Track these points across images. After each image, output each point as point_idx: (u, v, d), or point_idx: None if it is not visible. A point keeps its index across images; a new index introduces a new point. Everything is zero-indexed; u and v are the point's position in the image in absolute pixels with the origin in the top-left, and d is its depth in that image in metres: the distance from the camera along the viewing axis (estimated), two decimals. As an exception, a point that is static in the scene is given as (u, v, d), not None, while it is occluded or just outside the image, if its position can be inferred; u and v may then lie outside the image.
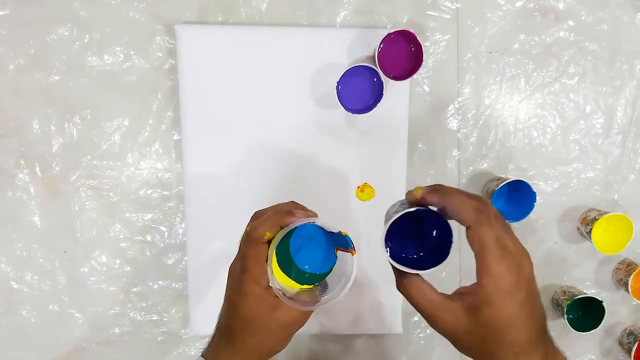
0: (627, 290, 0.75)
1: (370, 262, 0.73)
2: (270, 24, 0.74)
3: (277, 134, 0.73)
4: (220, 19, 0.73)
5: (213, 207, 0.74)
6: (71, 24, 0.72)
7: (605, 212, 0.73)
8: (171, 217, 0.77)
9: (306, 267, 0.47)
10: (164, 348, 0.79)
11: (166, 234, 0.77)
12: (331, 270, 0.48)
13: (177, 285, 0.78)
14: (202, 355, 0.49)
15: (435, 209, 0.43)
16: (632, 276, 0.75)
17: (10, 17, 0.72)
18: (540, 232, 0.79)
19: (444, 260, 0.41)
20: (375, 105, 0.69)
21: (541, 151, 0.78)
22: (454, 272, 0.78)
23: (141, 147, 0.75)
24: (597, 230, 0.73)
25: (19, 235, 0.75)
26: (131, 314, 0.78)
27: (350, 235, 0.45)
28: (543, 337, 0.41)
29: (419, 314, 0.43)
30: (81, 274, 0.76)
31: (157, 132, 0.75)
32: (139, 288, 0.77)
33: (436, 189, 0.42)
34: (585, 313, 0.76)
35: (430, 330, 0.61)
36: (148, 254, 0.77)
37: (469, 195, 0.42)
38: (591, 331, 0.74)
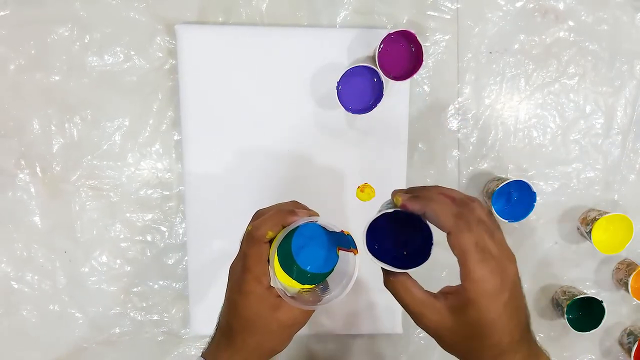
0: (627, 290, 0.75)
1: (370, 262, 0.72)
2: (271, 24, 0.74)
3: (278, 134, 0.74)
4: (220, 19, 0.73)
5: (213, 207, 0.74)
6: (71, 24, 0.72)
7: (605, 212, 0.74)
8: (171, 217, 0.77)
9: (308, 267, 0.47)
10: (165, 348, 0.79)
11: (166, 234, 0.77)
12: (333, 270, 0.48)
13: (177, 285, 0.78)
14: (202, 355, 0.49)
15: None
16: (632, 276, 0.75)
17: (10, 17, 0.72)
18: (540, 232, 0.79)
19: (425, 261, 0.42)
20: (375, 106, 0.69)
21: (541, 151, 0.78)
22: (454, 272, 0.78)
23: (141, 147, 0.75)
24: (597, 230, 0.73)
25: (20, 235, 0.75)
26: (131, 314, 0.78)
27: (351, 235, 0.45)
28: (526, 337, 0.42)
29: None
30: (81, 274, 0.76)
31: (157, 132, 0.75)
32: (139, 288, 0.77)
33: (417, 195, 0.42)
34: (585, 313, 0.76)
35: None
36: (148, 254, 0.77)
37: (453, 199, 0.42)
38: (591, 331, 0.74)
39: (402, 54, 0.69)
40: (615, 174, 0.79)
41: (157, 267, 0.77)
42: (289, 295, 0.45)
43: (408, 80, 0.70)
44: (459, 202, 0.41)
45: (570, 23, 0.76)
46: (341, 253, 0.47)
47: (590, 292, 0.78)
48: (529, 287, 0.81)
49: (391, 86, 0.72)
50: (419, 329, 0.43)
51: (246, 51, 0.71)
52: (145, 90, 0.74)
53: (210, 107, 0.72)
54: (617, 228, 0.73)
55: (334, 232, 0.47)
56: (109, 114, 0.74)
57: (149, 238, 0.77)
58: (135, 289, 0.77)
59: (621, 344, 0.81)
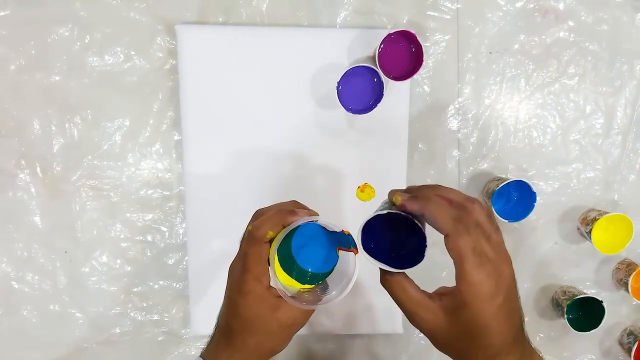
0: (627, 290, 0.75)
1: (369, 262, 0.72)
2: (271, 25, 0.74)
3: (278, 134, 0.74)
4: (220, 19, 0.73)
5: (214, 207, 0.74)
6: (72, 24, 0.72)
7: (605, 212, 0.74)
8: (172, 217, 0.77)
9: (308, 267, 0.47)
10: (165, 348, 0.79)
11: (167, 234, 0.77)
12: (333, 270, 0.48)
13: (177, 285, 0.78)
14: (201, 356, 0.49)
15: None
16: (632, 276, 0.75)
17: (11, 18, 0.72)
18: (540, 232, 0.79)
19: (419, 262, 0.42)
20: (375, 106, 0.69)
21: (541, 151, 0.78)
22: (453, 272, 0.78)
23: (142, 147, 0.75)
24: (597, 230, 0.73)
25: (20, 235, 0.76)
26: (132, 314, 0.78)
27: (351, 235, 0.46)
28: (519, 339, 0.42)
29: None
30: (82, 274, 0.76)
31: (157, 132, 0.75)
32: (139, 288, 0.77)
33: (416, 196, 0.43)
34: (585, 313, 0.76)
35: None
36: (149, 254, 0.77)
37: (451, 201, 0.41)
38: (591, 331, 0.74)
39: (402, 54, 0.70)
40: (615, 174, 0.79)
41: (158, 267, 0.77)
42: (289, 295, 0.45)
43: (408, 81, 0.70)
44: (457, 205, 0.41)
45: (570, 23, 0.76)
46: (341, 253, 0.47)
47: (590, 292, 0.78)
48: (529, 287, 0.81)
49: (391, 86, 0.72)
50: (420, 329, 0.43)
51: (246, 51, 0.71)
52: (145, 90, 0.74)
53: (210, 107, 0.72)
54: (617, 228, 0.73)
55: (334, 232, 0.47)
56: (109, 114, 0.74)
57: (149, 238, 0.77)
58: (135, 289, 0.77)
59: (621, 344, 0.81)
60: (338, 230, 0.46)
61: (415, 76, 0.70)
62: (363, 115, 0.70)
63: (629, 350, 0.77)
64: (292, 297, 0.45)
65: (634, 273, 0.75)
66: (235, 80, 0.72)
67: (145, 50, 0.73)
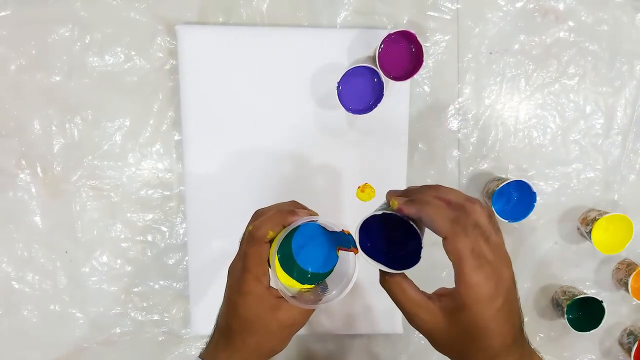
0: (627, 290, 0.75)
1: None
2: (271, 25, 0.74)
3: (278, 134, 0.74)
4: (220, 19, 0.73)
5: (214, 207, 0.74)
6: (72, 25, 0.72)
7: (605, 212, 0.74)
8: (172, 217, 0.77)
9: (309, 266, 0.47)
10: (165, 348, 0.79)
11: (167, 234, 0.77)
12: (333, 270, 0.48)
13: (178, 285, 0.78)
14: (200, 356, 0.49)
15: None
16: (632, 276, 0.75)
17: (11, 18, 0.72)
18: (540, 232, 0.80)
19: (415, 264, 0.42)
20: (375, 106, 0.69)
21: (541, 151, 0.78)
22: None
23: (142, 148, 0.75)
24: (597, 231, 0.73)
25: (20, 235, 0.76)
26: (132, 314, 0.78)
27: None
28: (519, 340, 0.42)
29: None
30: (82, 274, 0.77)
31: (158, 133, 0.75)
32: (139, 288, 0.77)
33: (413, 200, 0.42)
34: (585, 313, 0.76)
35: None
36: (149, 254, 0.77)
37: (449, 202, 0.41)
38: (591, 331, 0.74)
39: (403, 54, 0.70)
40: (615, 174, 0.79)
41: (158, 267, 0.77)
42: (289, 295, 0.45)
43: (408, 81, 0.70)
44: (456, 206, 0.41)
45: (570, 23, 0.76)
46: (341, 253, 0.47)
47: (590, 292, 0.78)
48: (529, 287, 0.81)
49: (391, 86, 0.72)
50: (420, 330, 0.43)
51: (246, 51, 0.72)
52: (145, 90, 0.74)
53: (210, 107, 0.72)
54: (617, 228, 0.73)
55: (334, 232, 0.47)
56: (109, 114, 0.74)
57: (149, 238, 0.77)
58: (135, 289, 0.77)
59: (621, 344, 0.81)
60: (338, 230, 0.46)
61: (415, 76, 0.70)
62: (363, 116, 0.70)
63: (629, 350, 0.77)
64: (293, 297, 0.45)
65: (634, 273, 0.75)
66: (235, 80, 0.72)
67: (146, 50, 0.74)
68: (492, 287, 0.39)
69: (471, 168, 0.78)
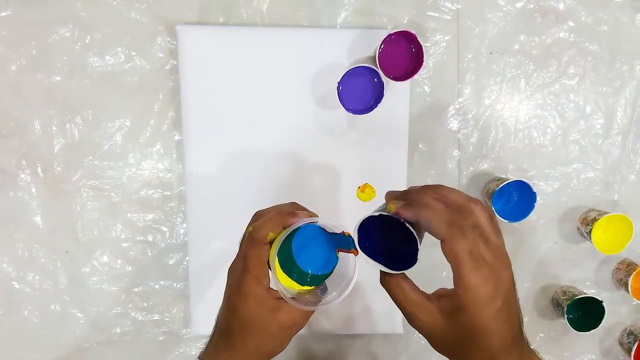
0: (627, 290, 0.75)
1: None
2: (271, 25, 0.74)
3: (278, 135, 0.74)
4: (221, 19, 0.73)
5: (214, 207, 0.74)
6: (73, 25, 0.72)
7: (605, 212, 0.74)
8: (172, 217, 0.77)
9: (309, 268, 0.47)
10: (165, 348, 0.79)
11: (167, 234, 0.77)
12: (333, 271, 0.48)
13: (178, 285, 0.78)
14: (199, 357, 0.49)
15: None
16: (632, 276, 0.75)
17: (12, 18, 0.72)
18: (540, 232, 0.80)
19: (412, 265, 0.42)
20: (375, 106, 0.69)
21: (541, 151, 0.78)
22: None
23: (142, 148, 0.75)
24: (597, 231, 0.73)
25: (21, 235, 0.76)
26: (132, 314, 0.78)
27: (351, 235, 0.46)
28: (518, 341, 0.42)
29: None
30: (82, 274, 0.77)
31: (158, 133, 0.75)
32: (140, 288, 0.78)
33: (410, 203, 0.42)
34: (585, 313, 0.76)
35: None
36: (149, 254, 0.77)
37: (447, 204, 0.41)
38: (591, 331, 0.74)
39: (403, 54, 0.70)
40: (615, 174, 0.79)
41: (158, 267, 0.77)
42: (289, 296, 0.45)
43: (408, 81, 0.70)
44: (455, 207, 0.40)
45: (570, 24, 0.76)
46: (341, 255, 0.47)
47: (590, 292, 0.78)
48: (529, 287, 0.81)
49: (391, 87, 0.72)
50: (420, 330, 0.43)
51: (247, 52, 0.72)
52: (146, 90, 0.74)
53: (211, 108, 0.72)
54: (617, 228, 0.73)
55: (334, 233, 0.47)
56: (110, 114, 0.75)
57: (150, 238, 0.77)
58: (136, 289, 0.78)
59: (621, 344, 0.81)
60: (338, 231, 0.46)
61: (415, 76, 0.70)
62: (363, 116, 0.70)
63: (629, 350, 0.78)
64: (293, 298, 0.45)
65: (634, 273, 0.75)
66: (235, 80, 0.72)
67: (146, 50, 0.74)
68: (490, 288, 0.39)
69: (471, 168, 0.78)
